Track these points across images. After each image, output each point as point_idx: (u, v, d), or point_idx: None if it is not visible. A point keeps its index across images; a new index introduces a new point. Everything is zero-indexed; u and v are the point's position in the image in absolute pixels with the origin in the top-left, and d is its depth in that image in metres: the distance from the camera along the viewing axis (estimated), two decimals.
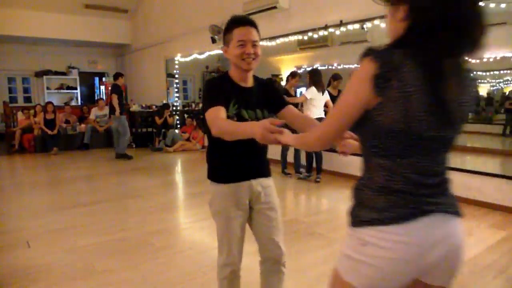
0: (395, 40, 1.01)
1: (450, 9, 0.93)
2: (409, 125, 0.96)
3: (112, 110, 7.70)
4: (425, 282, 1.08)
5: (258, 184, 1.84)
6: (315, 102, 5.45)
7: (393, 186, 1.00)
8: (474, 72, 1.14)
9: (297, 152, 6.02)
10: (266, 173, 1.91)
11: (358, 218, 1.07)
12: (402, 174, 1.00)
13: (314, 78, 5.48)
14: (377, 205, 1.01)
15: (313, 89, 5.43)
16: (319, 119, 5.43)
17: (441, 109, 0.97)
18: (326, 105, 5.62)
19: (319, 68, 6.35)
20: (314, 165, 5.68)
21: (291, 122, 1.83)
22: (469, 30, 0.95)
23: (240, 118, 1.72)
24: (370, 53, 0.96)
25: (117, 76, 7.89)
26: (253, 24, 1.73)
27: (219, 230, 1.83)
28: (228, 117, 1.67)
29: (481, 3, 0.97)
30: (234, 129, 1.50)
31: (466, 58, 1.04)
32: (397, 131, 0.97)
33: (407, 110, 0.94)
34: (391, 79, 0.93)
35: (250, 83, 1.81)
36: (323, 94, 5.51)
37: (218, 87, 1.74)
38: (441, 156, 1.06)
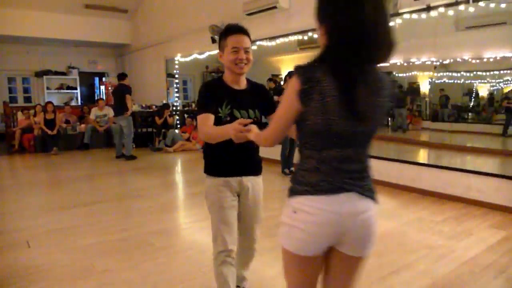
0: (319, 54, 1.24)
1: (358, 31, 1.14)
2: (329, 127, 1.21)
3: (121, 110, 7.60)
4: (341, 252, 1.33)
5: (248, 180, 2.04)
6: None
7: (321, 170, 1.25)
8: (393, 74, 1.27)
9: (291, 152, 6.03)
10: (256, 172, 2.10)
11: (293, 191, 1.30)
12: (327, 162, 1.25)
13: None
14: (309, 181, 1.26)
15: None
16: None
17: (354, 112, 1.19)
18: None
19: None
20: None
21: None
22: (374, 51, 1.18)
23: (233, 117, 1.88)
24: (297, 70, 1.21)
25: (124, 76, 7.88)
26: (245, 33, 1.94)
27: (214, 219, 2.01)
28: (221, 117, 1.90)
29: (388, 24, 1.20)
30: (216, 133, 1.77)
31: (378, 64, 1.25)
32: (321, 131, 1.23)
33: (327, 116, 1.19)
34: (313, 93, 1.18)
35: (243, 85, 2.02)
36: None
37: (210, 92, 1.96)
38: (361, 148, 1.30)
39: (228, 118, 1.89)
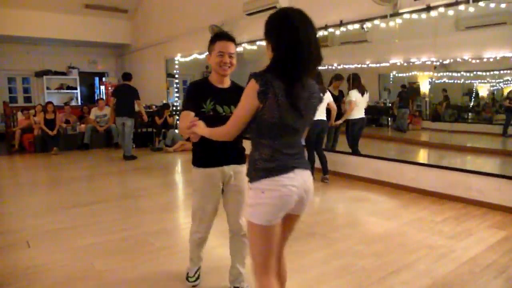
0: (268, 66, 1.59)
1: (294, 52, 1.54)
2: (281, 120, 1.57)
3: (126, 111, 7.60)
4: (289, 213, 1.68)
5: (230, 169, 2.29)
6: None
7: (275, 155, 1.61)
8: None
9: None
10: (239, 161, 2.33)
11: (257, 176, 1.62)
12: (279, 149, 1.62)
13: (316, 80, 5.44)
14: (268, 166, 1.60)
15: None
16: (321, 122, 5.42)
17: (297, 109, 1.59)
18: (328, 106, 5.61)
19: (319, 68, 6.34)
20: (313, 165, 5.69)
21: None
22: (307, 63, 1.57)
23: (216, 112, 2.20)
24: (255, 76, 1.54)
25: (129, 77, 7.86)
26: (232, 40, 2.24)
27: (195, 204, 2.38)
28: (205, 112, 2.17)
29: (317, 44, 1.59)
30: (184, 129, 2.00)
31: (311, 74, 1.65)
32: (276, 124, 1.58)
33: (280, 112, 1.55)
34: (269, 93, 1.52)
35: (226, 85, 2.30)
36: (323, 95, 5.47)
37: (194, 91, 2.27)
38: (298, 137, 1.70)
39: (211, 113, 2.18)
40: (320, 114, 5.44)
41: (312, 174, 5.47)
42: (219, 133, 1.74)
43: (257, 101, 1.54)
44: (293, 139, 1.66)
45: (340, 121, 5.86)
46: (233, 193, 2.32)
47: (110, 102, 8.11)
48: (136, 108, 7.95)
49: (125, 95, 7.68)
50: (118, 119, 7.75)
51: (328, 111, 5.61)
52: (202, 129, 1.86)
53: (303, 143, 1.76)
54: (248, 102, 1.56)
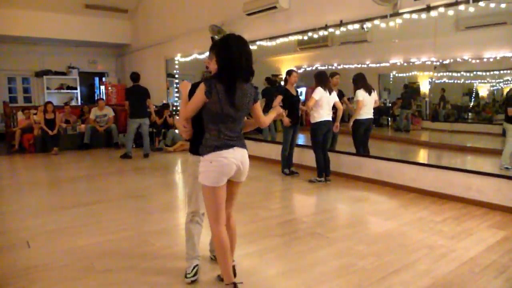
0: (215, 73, 2.33)
1: (228, 65, 2.25)
2: (222, 111, 2.26)
3: (145, 112, 7.88)
4: (232, 180, 2.38)
5: None
6: (321, 102, 5.34)
7: (220, 136, 2.29)
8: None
9: (291, 152, 6.02)
10: None
11: (207, 151, 2.28)
12: (222, 131, 2.30)
13: (320, 79, 5.41)
14: (215, 144, 2.28)
15: (319, 89, 5.33)
16: (327, 122, 5.40)
17: (232, 104, 2.26)
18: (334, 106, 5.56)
19: (319, 68, 6.34)
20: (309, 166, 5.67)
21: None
22: (238, 73, 2.26)
23: None
24: (204, 81, 2.26)
25: (139, 76, 7.93)
26: None
27: (190, 187, 2.65)
28: None
29: (249, 58, 2.30)
30: (181, 127, 2.52)
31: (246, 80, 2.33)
32: (218, 113, 2.27)
33: (220, 105, 2.24)
34: (212, 92, 2.22)
35: None
36: (330, 94, 5.44)
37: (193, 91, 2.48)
38: (236, 124, 2.34)
39: None
40: (327, 115, 5.43)
41: (327, 175, 5.59)
42: (182, 113, 2.44)
43: (204, 97, 2.23)
44: (233, 125, 2.32)
45: (339, 126, 5.74)
46: None
47: (125, 105, 8.06)
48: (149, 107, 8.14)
49: (140, 96, 7.78)
50: (137, 121, 7.77)
51: (335, 113, 5.57)
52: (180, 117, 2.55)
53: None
54: (199, 96, 2.26)
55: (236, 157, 2.30)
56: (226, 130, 2.29)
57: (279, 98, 5.70)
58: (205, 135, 2.33)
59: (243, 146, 2.38)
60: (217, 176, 2.26)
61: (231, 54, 2.24)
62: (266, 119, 2.55)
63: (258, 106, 2.47)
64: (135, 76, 7.94)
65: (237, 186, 2.46)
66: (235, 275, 2.48)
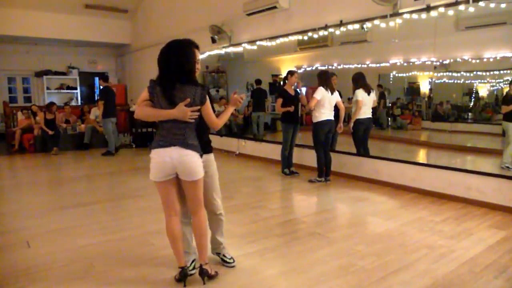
0: (157, 77, 2.47)
1: (168, 67, 2.42)
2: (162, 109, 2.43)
3: (115, 112, 8.32)
4: (181, 178, 2.48)
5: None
6: (323, 102, 5.33)
7: (161, 134, 2.46)
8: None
9: (290, 152, 6.02)
10: (206, 150, 2.67)
11: (152, 147, 2.47)
12: (165, 130, 2.45)
13: (322, 78, 5.40)
14: (157, 141, 2.46)
15: (321, 89, 5.32)
16: (329, 122, 5.40)
17: (173, 103, 2.39)
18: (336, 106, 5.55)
19: (319, 68, 6.34)
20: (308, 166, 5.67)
21: None
22: (170, 77, 2.41)
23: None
24: (149, 84, 2.45)
25: (108, 78, 8.50)
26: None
27: (217, 182, 2.79)
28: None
29: (188, 63, 2.43)
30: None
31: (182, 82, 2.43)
32: None
33: (160, 105, 2.42)
34: (153, 93, 2.43)
35: None
36: (332, 93, 5.43)
37: None
38: (176, 124, 2.43)
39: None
40: (328, 114, 5.42)
41: (328, 174, 5.59)
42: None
43: (148, 94, 2.45)
44: (174, 125, 2.42)
45: (342, 126, 5.74)
46: (205, 179, 2.61)
47: (99, 105, 8.37)
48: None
49: (112, 97, 8.24)
50: (112, 119, 8.22)
51: (336, 113, 5.57)
52: None
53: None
54: (145, 96, 2.47)
55: (173, 156, 2.39)
56: (167, 129, 2.43)
57: (279, 101, 5.70)
58: (157, 130, 2.57)
59: (187, 146, 2.42)
60: (155, 172, 2.44)
61: (169, 59, 2.41)
62: (219, 120, 2.60)
63: (207, 108, 2.50)
64: (106, 77, 8.35)
65: (188, 185, 2.48)
66: (208, 275, 2.56)
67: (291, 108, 5.66)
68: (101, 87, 8.50)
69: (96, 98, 12.64)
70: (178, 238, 2.54)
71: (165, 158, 2.39)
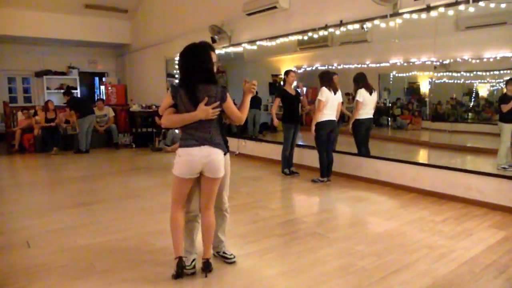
0: (179, 80, 2.65)
1: (185, 72, 2.60)
2: (187, 111, 2.54)
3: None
4: (205, 175, 2.60)
5: None
6: (326, 102, 5.32)
7: (188, 133, 2.58)
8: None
9: (291, 152, 6.02)
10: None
11: (180, 146, 2.59)
12: (191, 130, 2.58)
13: (324, 79, 5.39)
14: (185, 141, 2.58)
15: (325, 90, 5.31)
16: (331, 122, 5.40)
17: (195, 105, 2.52)
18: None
19: (319, 68, 6.33)
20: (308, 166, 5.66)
21: None
22: (195, 78, 2.54)
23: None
24: (170, 87, 2.59)
25: (68, 92, 9.08)
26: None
27: (228, 180, 2.94)
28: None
29: (207, 65, 2.57)
30: None
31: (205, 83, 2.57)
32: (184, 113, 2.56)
33: (184, 107, 2.54)
34: (177, 96, 2.55)
35: None
36: (335, 94, 5.41)
37: None
38: (202, 124, 2.56)
39: None
40: (331, 115, 5.42)
41: (329, 175, 5.58)
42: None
43: (171, 99, 2.57)
44: (200, 125, 2.55)
45: (349, 125, 5.75)
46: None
47: (72, 116, 8.99)
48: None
49: (81, 104, 9.10)
50: (91, 117, 8.84)
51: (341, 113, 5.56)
52: None
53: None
54: (168, 99, 2.59)
55: (202, 155, 2.52)
56: (194, 129, 2.55)
57: (277, 101, 5.73)
58: (182, 131, 2.64)
59: (216, 145, 2.58)
60: (181, 169, 2.55)
61: (191, 62, 2.55)
62: (241, 113, 2.69)
63: (230, 104, 2.61)
64: (67, 92, 9.06)
65: (209, 182, 2.61)
66: (209, 268, 2.70)
67: (274, 118, 5.85)
68: (66, 100, 9.00)
69: (96, 98, 12.66)
70: (181, 228, 2.68)
71: (195, 157, 2.51)
